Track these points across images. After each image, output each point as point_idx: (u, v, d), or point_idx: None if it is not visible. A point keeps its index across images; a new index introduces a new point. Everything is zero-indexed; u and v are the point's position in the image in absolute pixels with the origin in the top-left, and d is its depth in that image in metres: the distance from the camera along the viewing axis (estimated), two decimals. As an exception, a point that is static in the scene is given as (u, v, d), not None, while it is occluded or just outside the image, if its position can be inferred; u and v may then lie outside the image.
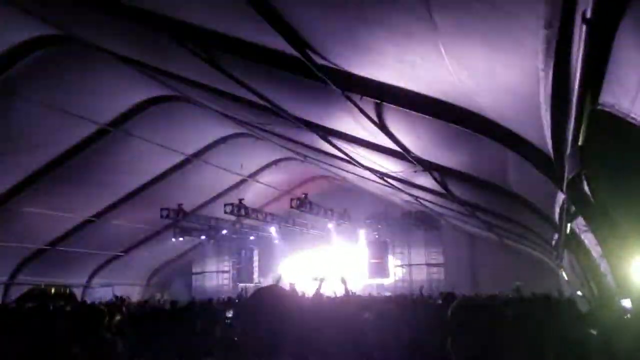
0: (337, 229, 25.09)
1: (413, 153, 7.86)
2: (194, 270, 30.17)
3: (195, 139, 17.79)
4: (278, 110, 8.43)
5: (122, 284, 23.98)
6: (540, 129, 4.05)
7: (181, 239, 24.36)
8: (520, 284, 13.00)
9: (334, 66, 5.14)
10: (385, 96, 5.30)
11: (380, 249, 25.61)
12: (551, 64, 2.51)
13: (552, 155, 4.37)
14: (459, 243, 21.94)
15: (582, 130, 2.99)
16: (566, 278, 11.54)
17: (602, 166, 3.52)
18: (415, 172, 8.97)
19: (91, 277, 23.38)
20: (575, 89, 2.43)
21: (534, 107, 3.43)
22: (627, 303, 5.31)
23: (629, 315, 4.93)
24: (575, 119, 2.81)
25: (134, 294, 24.67)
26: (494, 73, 3.44)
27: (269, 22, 4.27)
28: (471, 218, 13.73)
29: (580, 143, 3.27)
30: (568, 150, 3.49)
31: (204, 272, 30.05)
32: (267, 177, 22.52)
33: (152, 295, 25.81)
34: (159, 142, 15.77)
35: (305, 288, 14.45)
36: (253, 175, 22.02)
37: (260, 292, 2.12)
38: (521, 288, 12.26)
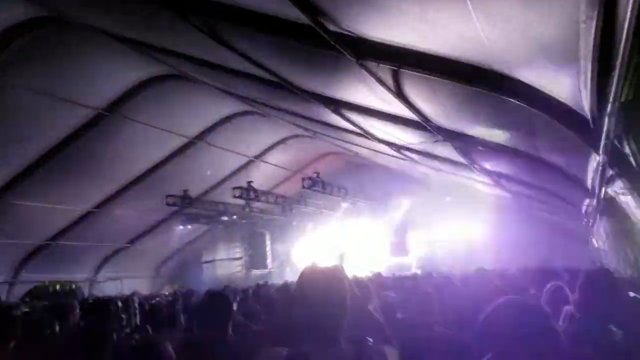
0: (353, 207, 25.11)
1: (433, 122, 7.80)
2: (204, 259, 30.41)
3: (197, 120, 17.76)
4: (285, 84, 8.40)
5: (130, 277, 24.25)
6: (575, 87, 3.97)
7: (189, 226, 24.49)
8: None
9: (347, 32, 5.06)
10: (404, 61, 5.22)
11: (401, 227, 25.67)
12: (595, 13, 2.43)
13: (588, 115, 4.29)
14: (485, 214, 21.83)
15: (626, 86, 2.91)
16: (596, 246, 11.51)
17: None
18: (435, 142, 8.91)
19: (97, 270, 23.65)
20: (623, 39, 2.36)
21: (571, 63, 3.35)
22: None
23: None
24: (620, 74, 2.74)
25: (143, 286, 24.98)
26: (529, 27, 3.36)
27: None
28: (496, 188, 13.68)
29: (623, 99, 3.21)
30: (608, 109, 3.42)
31: (215, 260, 30.29)
32: (276, 156, 22.48)
33: (162, 287, 26.12)
34: (158, 126, 15.72)
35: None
36: (260, 155, 21.99)
37: (317, 274, 2.10)
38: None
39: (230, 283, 23.10)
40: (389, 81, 6.20)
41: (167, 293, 19.75)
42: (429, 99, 6.87)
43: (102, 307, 6.25)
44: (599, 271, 4.30)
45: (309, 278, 2.12)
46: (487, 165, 10.44)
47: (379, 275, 10.29)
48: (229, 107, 17.42)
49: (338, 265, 2.25)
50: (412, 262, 25.15)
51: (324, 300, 2.02)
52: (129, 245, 23.51)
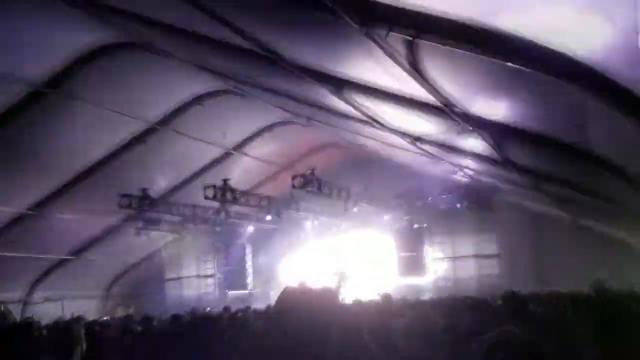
0: (356, 214, 25.08)
1: (457, 106, 7.80)
2: (167, 276, 30.34)
3: (161, 100, 17.71)
4: (273, 57, 8.36)
5: (74, 297, 24.21)
6: (637, 66, 3.97)
7: (149, 234, 24.40)
8: (603, 277, 13.00)
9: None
10: (421, 29, 5.21)
11: (414, 238, 25.63)
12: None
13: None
14: (518, 226, 21.90)
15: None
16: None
17: None
18: (460, 132, 8.94)
19: (32, 289, 23.55)
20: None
21: (633, 35, 3.34)
22: None
23: None
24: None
25: (91, 308, 24.90)
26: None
27: None
28: (535, 191, 13.68)
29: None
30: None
31: (181, 277, 30.23)
32: (260, 148, 22.44)
33: (114, 309, 26.04)
34: (111, 107, 15.66)
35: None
36: (241, 146, 21.94)
37: (290, 296, 2.11)
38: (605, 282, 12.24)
39: (200, 306, 23.08)
40: (402, 54, 6.17)
41: (120, 317, 19.70)
42: (451, 78, 6.87)
43: (18, 334, 5.74)
44: None
45: (289, 300, 2.12)
46: (526, 163, 10.44)
47: (387, 298, 10.31)
48: (201, 84, 17.35)
49: (329, 287, 2.24)
50: (427, 284, 25.14)
51: (305, 327, 2.02)
52: (72, 257, 23.46)
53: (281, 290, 2.23)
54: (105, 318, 19.84)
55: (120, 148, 18.64)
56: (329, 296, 2.18)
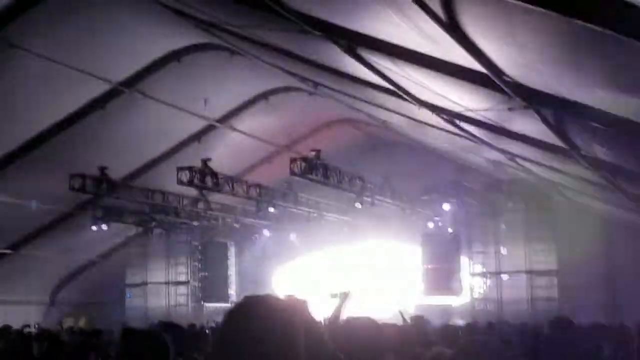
0: (372, 210, 25.02)
1: (508, 75, 7.68)
2: (128, 281, 30.46)
3: (128, 56, 17.66)
4: (271, 3, 8.31)
5: (10, 303, 24.28)
6: None
7: (106, 227, 24.46)
8: None
9: None
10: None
11: (446, 247, 25.58)
12: None
13: None
14: (584, 235, 21.78)
15: None
16: None
17: None
18: (511, 109, 8.83)
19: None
20: None
21: None
22: None
23: None
24: None
25: (30, 318, 24.97)
26: None
27: None
28: (609, 191, 13.62)
29: None
30: None
31: (146, 283, 30.32)
32: (252, 121, 22.43)
33: (61, 320, 26.06)
34: (62, 61, 15.54)
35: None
36: (227, 118, 21.97)
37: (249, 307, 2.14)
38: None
39: (169, 319, 23.08)
40: (436, 4, 6.09)
41: (67, 329, 19.74)
42: (501, 38, 6.76)
43: None
44: None
45: (240, 315, 2.15)
46: (597, 152, 10.35)
47: (419, 320, 10.25)
48: (177, 37, 17.34)
49: (297, 299, 2.30)
50: (461, 306, 25.08)
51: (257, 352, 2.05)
52: (8, 252, 23.54)
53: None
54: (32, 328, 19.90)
55: (73, 115, 18.64)
56: (298, 309, 2.21)
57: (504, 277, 24.88)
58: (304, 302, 2.27)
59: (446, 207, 25.10)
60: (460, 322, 19.92)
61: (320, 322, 2.53)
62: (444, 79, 8.86)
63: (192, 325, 16.02)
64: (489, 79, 7.69)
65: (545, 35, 6.06)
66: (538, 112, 8.53)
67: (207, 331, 15.59)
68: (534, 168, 15.92)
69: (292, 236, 28.15)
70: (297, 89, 20.09)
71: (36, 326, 19.33)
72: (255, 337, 2.03)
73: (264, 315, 2.09)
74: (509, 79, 7.74)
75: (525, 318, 19.52)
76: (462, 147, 16.99)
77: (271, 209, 24.98)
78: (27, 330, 16.50)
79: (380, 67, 9.64)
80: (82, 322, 25.97)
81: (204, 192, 22.02)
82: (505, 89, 7.90)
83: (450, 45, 7.06)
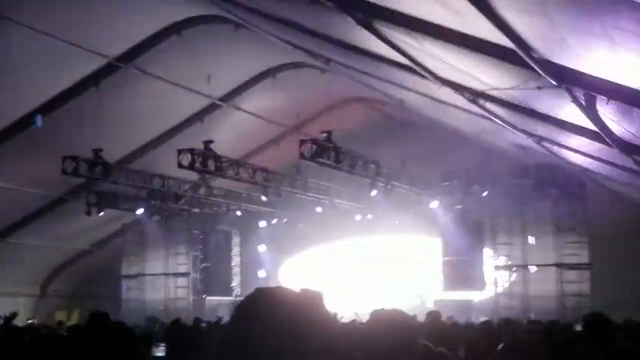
0: (387, 197, 24.99)
1: (537, 51, 7.66)
2: (124, 272, 30.49)
3: (124, 28, 17.64)
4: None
5: (-3, 295, 24.45)
6: None
7: (101, 213, 24.48)
8: None
9: None
10: None
11: (469, 237, 25.51)
12: None
13: None
14: (618, 225, 21.73)
15: None
16: None
17: None
18: (540, 88, 8.78)
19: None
20: None
21: None
22: None
23: None
24: None
25: (19, 310, 25.07)
26: None
27: None
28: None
29: None
30: None
31: (143, 274, 30.35)
32: (258, 100, 22.48)
33: (51, 313, 26.16)
34: (53, 33, 15.67)
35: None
36: (231, 96, 21.98)
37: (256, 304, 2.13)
38: None
39: (166, 315, 23.15)
40: None
41: (58, 324, 19.79)
42: (531, 10, 6.76)
43: None
44: None
45: (251, 309, 2.13)
46: (633, 137, 10.30)
47: (434, 316, 10.19)
48: (178, 8, 17.40)
49: (312, 292, 2.28)
50: (484, 301, 25.04)
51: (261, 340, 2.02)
52: (-4, 239, 23.77)
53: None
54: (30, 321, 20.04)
55: (66, 93, 18.73)
56: (312, 300, 2.20)
57: (532, 269, 24.75)
58: (319, 295, 2.25)
59: (468, 194, 25.06)
60: (481, 319, 19.93)
61: (335, 317, 2.53)
62: (467, 54, 8.81)
63: (197, 320, 16.11)
64: (516, 55, 7.67)
65: (578, 6, 6.04)
66: (569, 91, 8.49)
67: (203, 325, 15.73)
68: (564, 152, 15.83)
69: (301, 225, 28.09)
70: (307, 66, 20.07)
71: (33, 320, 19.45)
72: (267, 333, 2.02)
73: (276, 309, 2.06)
74: (537, 55, 7.71)
75: (553, 315, 19.43)
76: (486, 129, 16.93)
77: (278, 196, 25.00)
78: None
79: (398, 41, 9.62)
80: (75, 315, 26.08)
81: (206, 176, 22.00)
82: (534, 66, 7.87)
83: (475, 18, 7.05)
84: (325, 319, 2.20)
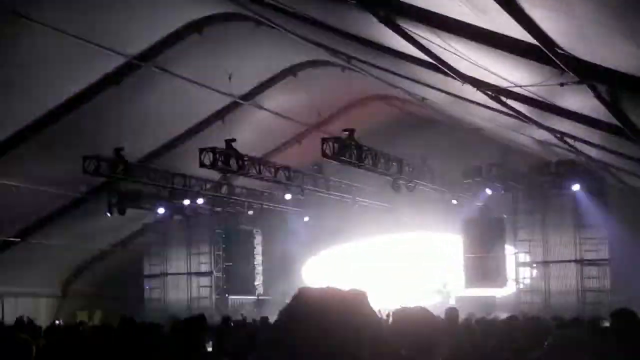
0: (409, 195, 24.89)
1: (561, 47, 7.65)
2: (146, 272, 30.58)
3: (144, 27, 17.73)
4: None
5: (19, 295, 24.51)
6: None
7: (123, 213, 24.54)
8: None
9: None
10: None
11: (490, 234, 25.45)
12: None
13: None
14: (639, 222, 21.57)
15: None
16: None
17: None
18: (563, 84, 8.76)
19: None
20: None
21: None
22: None
23: None
24: None
25: (41, 310, 25.21)
26: None
27: None
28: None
29: None
30: None
31: (165, 274, 30.43)
32: (279, 99, 22.49)
33: (73, 313, 26.26)
34: (73, 33, 15.69)
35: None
36: (252, 95, 21.98)
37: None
38: None
39: (189, 314, 23.15)
40: None
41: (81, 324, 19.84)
42: (555, 6, 6.77)
43: None
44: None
45: (302, 308, 2.12)
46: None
47: (451, 312, 10.29)
48: (198, 6, 17.41)
49: (358, 291, 2.27)
50: (505, 297, 24.96)
51: (322, 346, 2.02)
52: (16, 240, 23.74)
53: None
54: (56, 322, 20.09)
55: (86, 92, 18.73)
56: (358, 300, 2.20)
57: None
58: (364, 294, 2.25)
59: (489, 191, 24.97)
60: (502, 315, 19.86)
61: (380, 316, 2.54)
62: (490, 51, 8.83)
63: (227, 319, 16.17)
64: (540, 51, 7.66)
65: (602, 1, 6.02)
66: (592, 88, 8.47)
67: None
68: (585, 148, 15.76)
69: (323, 223, 28.04)
70: (328, 63, 20.03)
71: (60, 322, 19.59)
72: (317, 333, 2.02)
73: (326, 309, 2.07)
74: (561, 52, 7.70)
75: (574, 311, 19.38)
76: (507, 126, 16.86)
77: (300, 194, 24.98)
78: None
79: (420, 39, 9.59)
80: (98, 316, 26.14)
81: (228, 175, 21.99)
82: (558, 62, 7.85)
83: (498, 15, 7.06)
84: (373, 318, 2.21)
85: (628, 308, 8.09)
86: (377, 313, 2.26)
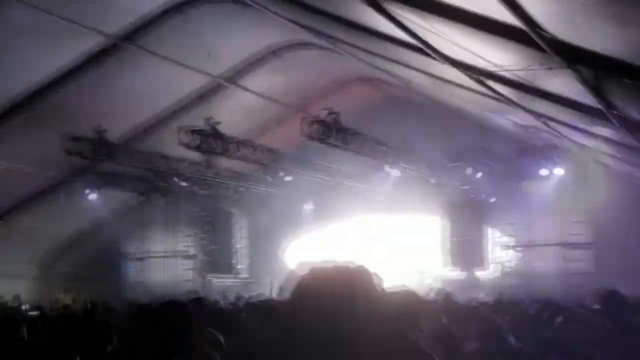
0: (393, 178, 24.96)
1: (546, 30, 7.63)
2: (128, 254, 30.57)
3: (125, 6, 17.57)
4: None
5: (-2, 276, 24.51)
6: None
7: (104, 195, 24.51)
8: None
9: None
10: None
11: (473, 217, 25.60)
12: None
13: None
14: (622, 205, 21.73)
15: None
16: None
17: None
18: (548, 68, 8.81)
19: None
20: None
21: None
22: None
23: None
24: None
25: (20, 292, 25.12)
26: None
27: None
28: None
29: None
30: None
31: (148, 256, 30.44)
32: (261, 80, 22.45)
33: (52, 295, 26.20)
34: (52, 11, 15.60)
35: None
36: (234, 75, 21.97)
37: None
38: None
39: (171, 294, 23.12)
40: None
41: (61, 305, 19.79)
42: None
43: None
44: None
45: (313, 282, 2.33)
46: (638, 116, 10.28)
47: (446, 295, 10.58)
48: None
49: (363, 269, 2.38)
50: (486, 280, 25.12)
51: (328, 317, 2.21)
52: (-3, 221, 23.73)
53: (295, 271, 2.37)
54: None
55: (67, 72, 18.71)
56: (363, 275, 2.47)
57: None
58: (368, 271, 2.34)
59: (472, 173, 25.02)
60: (481, 295, 20.03)
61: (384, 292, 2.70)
62: (475, 34, 8.79)
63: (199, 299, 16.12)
64: (524, 34, 7.64)
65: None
66: (578, 72, 8.45)
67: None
68: (568, 132, 15.83)
69: (306, 205, 28.11)
70: (311, 45, 19.98)
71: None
72: (330, 308, 2.19)
73: (336, 285, 2.29)
74: (545, 34, 7.68)
75: (557, 293, 19.51)
76: (492, 109, 16.92)
77: (283, 176, 24.97)
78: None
79: (405, 21, 9.57)
80: (80, 296, 26.04)
81: (211, 156, 21.92)
82: (542, 45, 7.83)
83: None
84: (380, 293, 2.35)
85: (615, 289, 8.17)
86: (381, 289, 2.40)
